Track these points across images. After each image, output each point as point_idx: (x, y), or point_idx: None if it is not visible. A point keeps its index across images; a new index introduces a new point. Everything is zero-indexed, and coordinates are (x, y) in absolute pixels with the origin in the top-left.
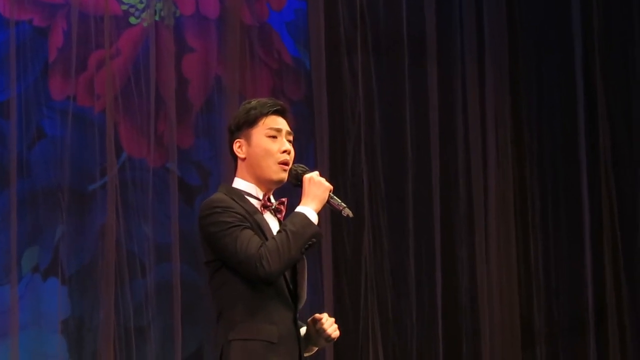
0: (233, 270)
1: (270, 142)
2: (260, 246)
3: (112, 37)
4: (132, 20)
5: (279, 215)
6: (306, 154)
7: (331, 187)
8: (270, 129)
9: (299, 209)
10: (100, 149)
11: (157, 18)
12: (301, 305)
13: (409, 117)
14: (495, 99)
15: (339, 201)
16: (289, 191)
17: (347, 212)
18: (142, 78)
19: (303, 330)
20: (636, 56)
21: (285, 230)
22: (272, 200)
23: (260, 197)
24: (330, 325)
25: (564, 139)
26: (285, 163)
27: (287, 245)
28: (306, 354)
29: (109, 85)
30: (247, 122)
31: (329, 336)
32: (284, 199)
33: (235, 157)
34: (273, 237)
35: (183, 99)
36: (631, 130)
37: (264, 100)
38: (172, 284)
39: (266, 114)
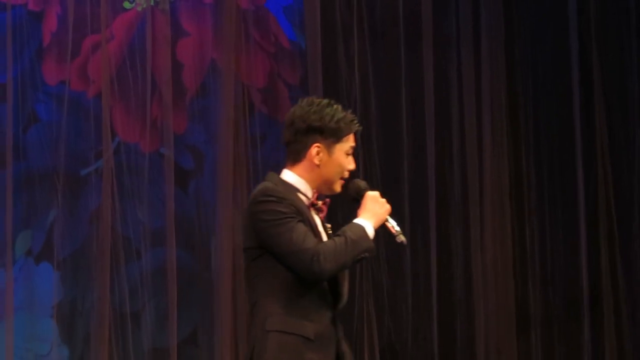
0: (276, 260)
1: (346, 159)
2: (318, 243)
3: (106, 21)
4: (127, 4)
5: (320, 215)
6: None
7: (390, 209)
8: (351, 147)
9: (358, 221)
10: (94, 134)
11: (152, 2)
12: (341, 305)
13: (405, 102)
14: (491, 84)
15: (396, 225)
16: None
17: (402, 238)
18: (136, 62)
19: None
20: (633, 42)
21: (345, 236)
22: (318, 200)
23: (309, 195)
24: None
25: (559, 125)
26: (346, 179)
27: (344, 250)
28: None
29: (104, 70)
30: (335, 135)
31: None
32: (327, 199)
33: (300, 154)
34: (332, 239)
35: (178, 83)
36: (627, 117)
37: (349, 115)
38: (166, 268)
39: (352, 133)
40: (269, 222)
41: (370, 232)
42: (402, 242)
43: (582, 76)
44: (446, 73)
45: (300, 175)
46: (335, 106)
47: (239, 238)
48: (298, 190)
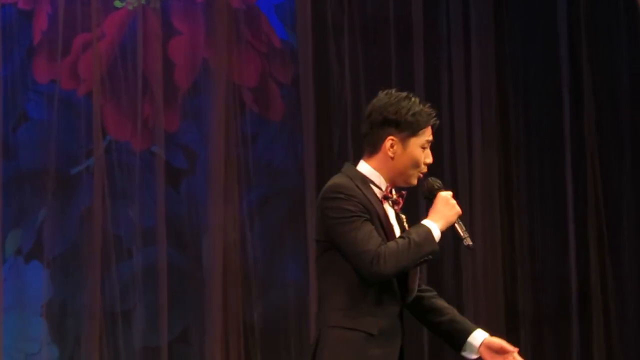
0: (340, 255)
1: (422, 153)
2: (380, 244)
3: (97, 20)
4: (117, 3)
5: (396, 207)
6: (293, 138)
7: (461, 212)
8: (427, 141)
9: (426, 222)
10: (85, 132)
11: (143, 1)
12: (411, 298)
13: None
14: (481, 83)
15: (464, 228)
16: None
17: (469, 242)
18: (128, 61)
19: (478, 338)
20: (622, 41)
21: (408, 238)
22: (393, 192)
23: (383, 188)
24: None
25: (549, 124)
26: (423, 173)
27: (406, 253)
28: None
29: (95, 68)
30: (411, 128)
31: None
32: (403, 192)
33: (375, 146)
34: (395, 240)
35: (169, 82)
36: (617, 116)
37: (427, 109)
38: (157, 267)
39: (430, 126)
40: (335, 220)
41: (437, 235)
42: (469, 245)
43: (571, 76)
44: (437, 72)
45: (375, 168)
46: (413, 99)
47: (231, 236)
48: (372, 182)
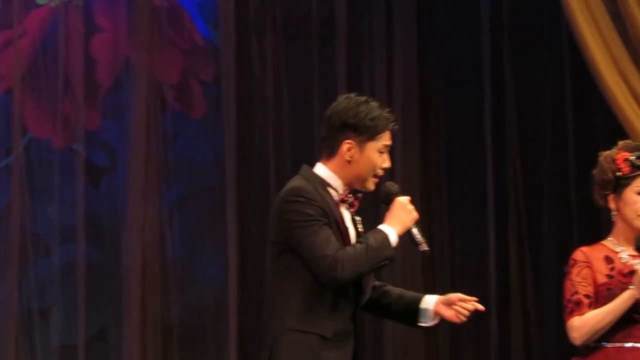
0: (297, 258)
1: (379, 157)
2: (339, 249)
3: (18, 17)
4: (40, 0)
5: (351, 210)
6: (214, 136)
7: (417, 217)
8: (385, 145)
9: (383, 228)
10: (4, 130)
11: None
12: (364, 301)
13: (317, 100)
14: (403, 80)
15: (420, 234)
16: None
17: (425, 247)
18: (49, 59)
19: (430, 301)
20: (545, 40)
21: (366, 244)
22: (349, 195)
23: (340, 191)
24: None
25: (471, 125)
26: (380, 177)
27: (364, 258)
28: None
29: (16, 66)
30: (368, 132)
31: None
32: (359, 195)
33: (333, 149)
34: (353, 245)
35: (91, 80)
36: (538, 117)
37: (385, 113)
38: (76, 265)
39: (388, 130)
40: (294, 223)
41: (394, 240)
42: (425, 251)
43: (493, 76)
44: (358, 70)
45: (332, 171)
46: (372, 103)
47: (150, 235)
48: (329, 185)
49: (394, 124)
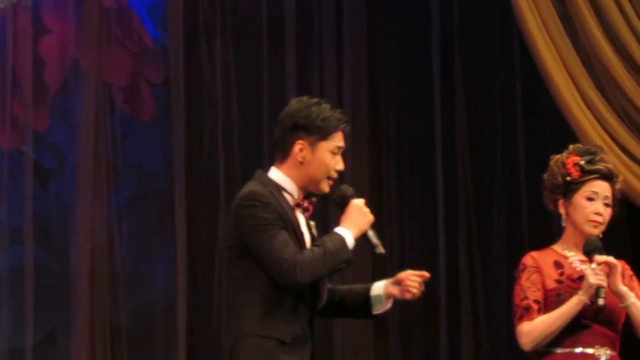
0: (254, 262)
1: (331, 158)
2: (296, 253)
3: None
4: None
5: (306, 214)
6: (163, 138)
7: (373, 219)
8: (337, 146)
9: (339, 231)
10: None
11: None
12: (320, 306)
13: (267, 104)
14: (353, 82)
15: (376, 236)
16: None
17: (381, 250)
18: None
19: (379, 286)
20: (496, 43)
21: (323, 247)
22: (304, 199)
23: (295, 195)
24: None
25: (421, 128)
26: (334, 179)
27: (322, 262)
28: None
29: None
30: (320, 132)
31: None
32: (313, 199)
33: (285, 151)
34: (311, 249)
35: (39, 81)
36: (488, 119)
37: (337, 114)
38: (24, 268)
39: (340, 131)
40: (252, 228)
41: (350, 243)
42: (381, 253)
43: (444, 76)
44: (308, 72)
45: (286, 174)
46: (323, 105)
47: (99, 237)
48: (284, 189)
49: (345, 124)
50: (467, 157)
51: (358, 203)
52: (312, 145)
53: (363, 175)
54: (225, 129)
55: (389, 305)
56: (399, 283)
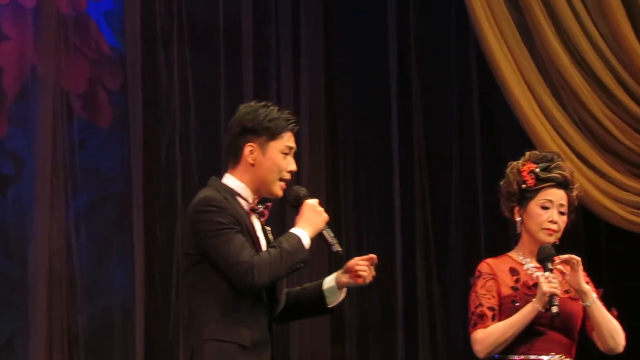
0: (215, 269)
1: (282, 158)
2: (254, 255)
3: None
4: None
5: (262, 219)
6: (121, 144)
7: (328, 218)
8: (287, 146)
9: (295, 231)
10: None
11: None
12: (279, 310)
13: (224, 110)
14: (310, 89)
15: (332, 235)
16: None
17: (337, 248)
18: None
19: (331, 279)
20: (452, 53)
21: (280, 248)
22: (259, 204)
23: (250, 200)
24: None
25: (378, 136)
26: (287, 181)
27: (279, 262)
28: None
29: None
30: (268, 133)
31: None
32: (269, 204)
33: (236, 156)
34: (267, 250)
35: None
36: (445, 127)
37: (285, 114)
38: None
39: (289, 131)
40: (208, 233)
41: (306, 242)
42: (337, 251)
43: (400, 83)
44: (265, 80)
45: (239, 179)
46: (271, 107)
47: (56, 243)
48: (238, 195)
49: (294, 124)
50: (424, 165)
51: (312, 203)
52: (262, 147)
53: (320, 181)
54: (183, 134)
55: (342, 295)
56: (349, 271)
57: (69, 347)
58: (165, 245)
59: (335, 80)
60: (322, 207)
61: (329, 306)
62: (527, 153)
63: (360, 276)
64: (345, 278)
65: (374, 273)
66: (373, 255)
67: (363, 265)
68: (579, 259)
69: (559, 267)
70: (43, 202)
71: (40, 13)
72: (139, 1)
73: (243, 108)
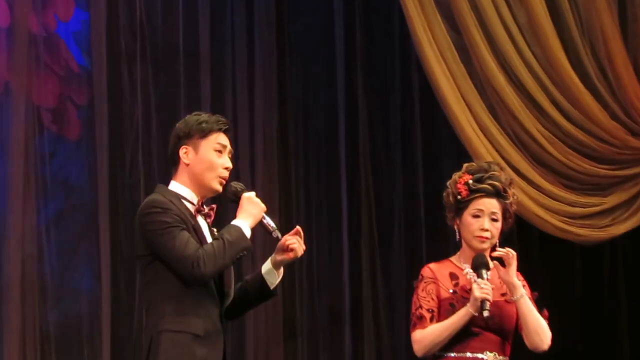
0: (165, 265)
1: (216, 156)
2: (198, 248)
3: None
4: None
5: (208, 220)
6: (88, 156)
7: (265, 208)
8: (219, 144)
9: (236, 222)
10: None
11: None
12: (228, 302)
13: None
14: (264, 106)
15: (271, 222)
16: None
17: (277, 234)
18: None
19: (267, 263)
20: (396, 65)
21: (222, 239)
22: (204, 206)
23: (195, 202)
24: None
25: (327, 146)
26: (225, 178)
27: (222, 252)
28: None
29: None
30: (199, 133)
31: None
32: (214, 205)
33: (175, 161)
34: (211, 242)
35: None
36: (389, 139)
37: (215, 116)
38: None
39: (217, 130)
40: (154, 232)
41: (247, 232)
42: (277, 237)
43: (348, 102)
44: (222, 96)
45: (182, 183)
46: (202, 114)
47: (28, 248)
48: (184, 198)
49: (224, 124)
50: (370, 174)
51: (249, 195)
52: (195, 147)
53: (274, 188)
54: (145, 146)
55: (281, 273)
56: (282, 250)
57: (41, 345)
58: (129, 249)
59: (287, 95)
60: (260, 199)
61: (272, 288)
62: (465, 165)
63: (292, 250)
64: (279, 256)
65: (304, 246)
66: (298, 228)
67: (292, 240)
68: (515, 253)
69: (499, 253)
70: (16, 210)
71: (13, 33)
72: (104, 23)
73: (178, 123)
